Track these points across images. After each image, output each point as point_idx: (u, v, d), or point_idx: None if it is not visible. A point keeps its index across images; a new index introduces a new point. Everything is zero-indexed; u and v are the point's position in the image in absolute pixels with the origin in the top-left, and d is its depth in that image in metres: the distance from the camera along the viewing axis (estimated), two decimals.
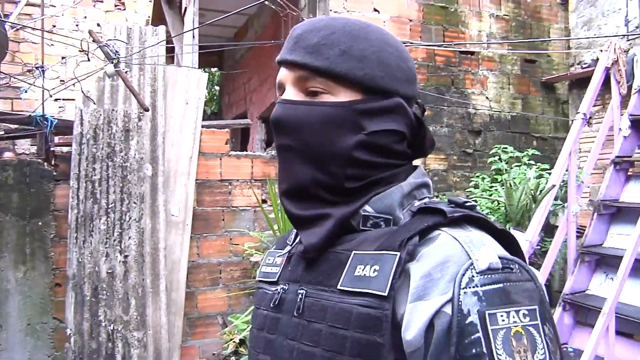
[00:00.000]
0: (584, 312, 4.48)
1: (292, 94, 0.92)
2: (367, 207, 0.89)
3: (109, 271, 4.21)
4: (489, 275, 0.73)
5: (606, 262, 4.64)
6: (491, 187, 5.17)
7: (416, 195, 0.93)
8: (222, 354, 4.26)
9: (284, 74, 0.94)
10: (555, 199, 4.61)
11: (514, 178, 4.89)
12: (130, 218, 4.30)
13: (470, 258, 0.74)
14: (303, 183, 0.90)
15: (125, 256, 4.25)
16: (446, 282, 0.73)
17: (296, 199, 0.92)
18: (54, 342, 4.15)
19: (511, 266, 0.76)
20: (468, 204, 0.86)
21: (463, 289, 0.72)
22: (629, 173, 5.02)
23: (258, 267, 4.37)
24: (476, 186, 5.36)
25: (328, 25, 0.92)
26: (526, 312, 0.71)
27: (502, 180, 4.97)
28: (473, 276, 0.73)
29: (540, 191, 4.41)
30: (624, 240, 4.47)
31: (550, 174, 4.64)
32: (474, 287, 0.72)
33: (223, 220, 4.72)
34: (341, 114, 0.88)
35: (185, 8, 5.93)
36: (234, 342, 4.09)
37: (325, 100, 0.89)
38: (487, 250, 0.76)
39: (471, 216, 0.83)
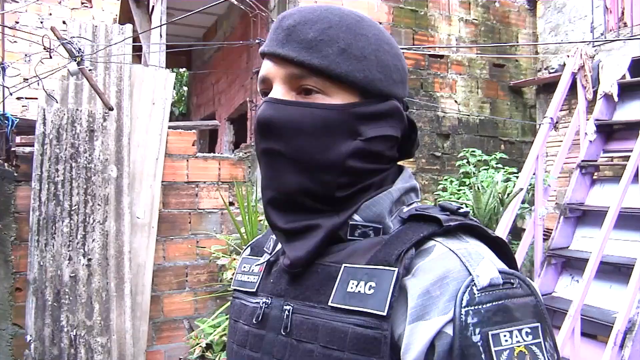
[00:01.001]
0: (550, 314, 4.52)
1: (281, 92, 0.84)
2: (356, 216, 0.84)
3: (72, 275, 4.10)
4: (491, 292, 0.69)
5: (572, 264, 4.70)
6: (459, 190, 5.19)
7: (405, 200, 0.88)
8: (189, 358, 4.19)
9: (272, 69, 0.85)
10: (523, 202, 4.64)
11: (482, 181, 4.91)
12: (94, 220, 4.20)
13: (470, 274, 0.71)
14: (291, 192, 0.83)
15: (89, 259, 4.16)
16: (446, 301, 0.69)
17: (282, 209, 0.85)
18: (12, 349, 4.03)
19: (512, 281, 0.72)
20: (461, 210, 0.82)
21: (464, 307, 0.68)
22: (594, 177, 5.10)
23: (225, 271, 4.32)
24: (444, 189, 5.38)
25: (323, 18, 0.84)
26: (529, 331, 0.69)
27: (470, 184, 4.99)
28: (474, 294, 0.69)
29: (508, 194, 4.44)
30: (589, 243, 4.53)
31: (517, 177, 4.68)
32: (475, 305, 0.68)
33: (189, 222, 4.66)
34: (338, 117, 0.82)
35: (153, 7, 5.85)
36: (200, 346, 4.03)
37: (319, 101, 0.82)
38: (487, 265, 0.72)
39: (466, 224, 0.79)
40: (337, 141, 0.82)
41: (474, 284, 0.69)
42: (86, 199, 4.20)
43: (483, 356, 0.66)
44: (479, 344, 0.66)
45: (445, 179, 5.53)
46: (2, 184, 4.10)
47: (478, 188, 4.55)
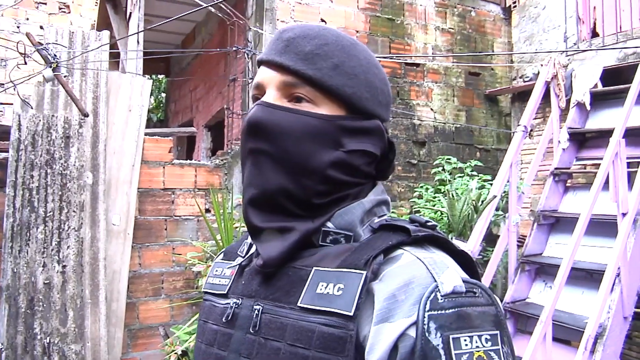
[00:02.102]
0: (524, 320, 4.57)
1: (274, 97, 0.88)
2: (328, 223, 0.87)
3: (46, 282, 4.07)
4: (454, 299, 0.72)
5: (545, 271, 4.75)
6: (434, 197, 5.24)
7: (376, 212, 0.92)
8: None
9: (267, 75, 0.90)
10: (497, 209, 4.70)
11: (457, 189, 4.96)
12: (69, 227, 4.18)
13: (435, 281, 0.73)
14: (272, 191, 0.86)
15: (64, 266, 4.13)
16: (411, 305, 0.72)
17: (261, 208, 0.88)
18: None
19: (474, 290, 0.75)
20: (430, 223, 0.85)
21: (428, 311, 0.71)
22: (567, 184, 5.17)
23: (201, 278, 4.31)
24: (420, 196, 5.43)
25: (320, 35, 0.90)
26: (488, 337, 0.71)
27: (444, 191, 5.04)
28: (438, 299, 0.72)
29: (482, 202, 4.49)
30: (562, 250, 4.59)
31: (492, 184, 4.73)
32: (438, 310, 0.71)
33: (165, 229, 4.64)
34: (324, 127, 0.86)
35: (131, 13, 5.84)
36: (175, 353, 4.01)
37: (308, 109, 0.87)
38: (451, 273, 0.75)
39: (433, 236, 0.82)
40: (320, 149, 0.86)
41: (438, 290, 0.72)
42: (61, 206, 4.18)
43: (443, 358, 0.69)
44: (440, 346, 0.69)
45: (421, 186, 5.57)
46: None
47: (452, 195, 4.60)
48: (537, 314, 4.00)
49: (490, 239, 4.96)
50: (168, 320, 4.62)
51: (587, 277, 4.36)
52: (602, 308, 3.75)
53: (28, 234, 4.07)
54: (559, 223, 4.97)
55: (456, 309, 0.72)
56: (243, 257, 0.98)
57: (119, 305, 4.36)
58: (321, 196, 0.87)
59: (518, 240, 4.82)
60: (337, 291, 0.77)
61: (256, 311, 0.85)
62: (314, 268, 0.82)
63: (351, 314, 0.74)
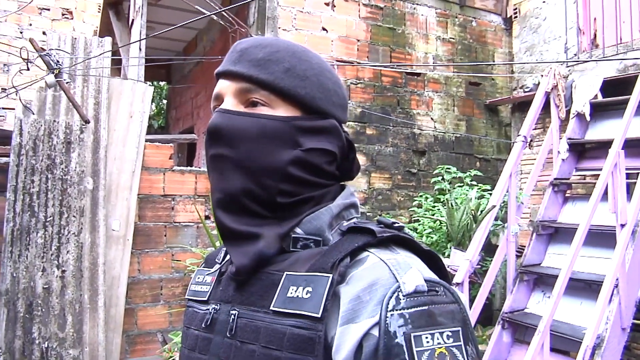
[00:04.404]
0: (522, 330, 4.57)
1: (231, 104, 0.92)
2: (297, 229, 0.90)
3: (45, 286, 4.08)
4: (415, 298, 0.74)
5: (544, 281, 4.75)
6: (434, 206, 5.24)
7: (345, 215, 0.94)
8: None
9: (224, 85, 0.94)
10: (496, 219, 4.70)
11: (456, 198, 4.97)
12: (69, 232, 4.19)
13: (397, 281, 0.75)
14: (235, 193, 0.89)
15: (63, 271, 4.14)
16: (374, 305, 0.74)
17: (229, 210, 0.91)
18: None
19: (436, 289, 0.77)
20: (396, 224, 0.88)
21: (390, 311, 0.73)
22: (566, 195, 5.18)
23: None
24: (419, 206, 5.43)
25: (272, 44, 0.94)
26: (450, 334, 0.73)
27: (444, 200, 5.04)
28: (400, 299, 0.74)
29: (481, 211, 4.49)
30: (561, 260, 4.59)
31: (491, 194, 4.73)
32: (400, 309, 0.73)
33: (165, 235, 4.65)
34: (281, 128, 0.89)
35: (133, 20, 5.86)
36: (173, 359, 4.01)
37: (265, 112, 0.90)
38: (413, 273, 0.77)
39: (399, 237, 0.85)
40: (278, 149, 0.89)
41: (400, 290, 0.75)
42: (61, 211, 4.19)
43: (405, 355, 0.71)
44: (402, 344, 0.71)
45: (421, 196, 5.58)
46: None
47: (452, 205, 4.61)
48: (536, 324, 3.99)
49: (489, 249, 4.96)
50: (166, 326, 4.62)
51: (585, 287, 4.36)
52: (600, 319, 3.74)
53: (28, 238, 4.08)
54: (557, 233, 4.97)
55: (418, 308, 0.74)
56: (220, 264, 1.02)
57: (118, 310, 4.37)
58: (285, 195, 0.90)
59: (517, 250, 4.82)
60: (306, 294, 0.80)
61: (232, 316, 0.88)
62: (285, 272, 0.85)
63: (319, 315, 0.76)
